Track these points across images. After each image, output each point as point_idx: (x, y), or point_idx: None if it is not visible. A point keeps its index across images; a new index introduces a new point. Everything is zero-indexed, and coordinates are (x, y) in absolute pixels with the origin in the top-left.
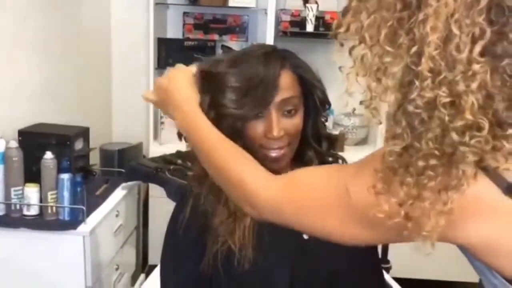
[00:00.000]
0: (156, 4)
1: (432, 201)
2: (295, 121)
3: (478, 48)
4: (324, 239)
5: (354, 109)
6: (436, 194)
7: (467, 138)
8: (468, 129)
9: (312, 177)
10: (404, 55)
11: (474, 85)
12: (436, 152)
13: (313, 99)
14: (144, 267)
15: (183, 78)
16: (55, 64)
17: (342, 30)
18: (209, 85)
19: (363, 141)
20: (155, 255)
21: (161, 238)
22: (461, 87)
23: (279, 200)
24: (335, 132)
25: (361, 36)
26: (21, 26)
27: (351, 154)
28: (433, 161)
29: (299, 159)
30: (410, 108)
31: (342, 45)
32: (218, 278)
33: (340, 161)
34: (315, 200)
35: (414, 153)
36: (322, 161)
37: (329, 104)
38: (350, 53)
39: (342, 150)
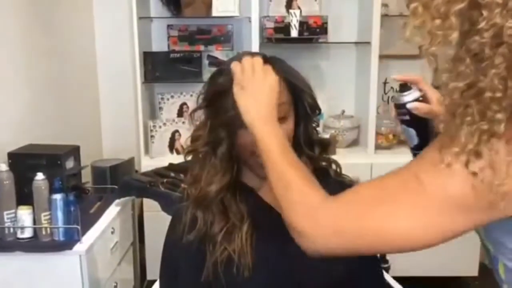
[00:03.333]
0: (140, 18)
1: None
2: (286, 128)
3: None
4: (394, 252)
5: (344, 111)
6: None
7: None
8: None
9: (372, 186)
10: None
11: None
12: (500, 86)
13: (303, 105)
14: (142, 283)
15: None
16: (41, 84)
17: None
18: (206, 97)
19: (354, 143)
20: (153, 270)
21: (158, 253)
22: None
23: (341, 216)
24: (326, 135)
25: None
26: (7, 48)
27: (343, 156)
28: (498, 94)
29: None
30: (476, 39)
31: None
32: (219, 286)
33: (333, 165)
34: (382, 205)
35: (478, 88)
36: (316, 166)
37: (319, 110)
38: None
39: (334, 153)
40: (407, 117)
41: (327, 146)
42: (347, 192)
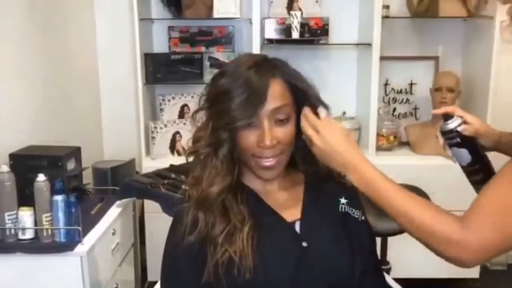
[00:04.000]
0: (141, 19)
1: None
2: (288, 130)
3: None
4: None
5: (344, 113)
6: None
7: None
8: None
9: (493, 200)
10: None
11: None
12: None
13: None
14: (143, 284)
15: (340, 137)
16: (42, 85)
17: None
18: (208, 98)
19: None
20: (154, 271)
21: (159, 254)
22: None
23: (486, 236)
24: None
25: None
26: (8, 50)
27: None
28: None
29: (295, 166)
30: None
31: None
32: None
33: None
34: None
35: None
36: (317, 169)
37: (326, 107)
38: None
39: None
40: (456, 140)
41: None
42: (475, 211)
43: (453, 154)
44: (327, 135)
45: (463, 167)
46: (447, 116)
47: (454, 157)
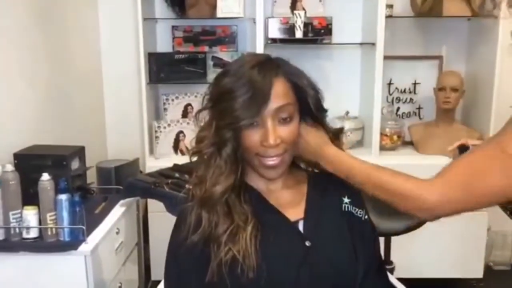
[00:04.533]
0: (145, 19)
1: None
2: (291, 129)
3: None
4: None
5: (348, 112)
6: None
7: None
8: None
9: (469, 162)
10: None
11: None
12: None
13: (308, 106)
14: (147, 283)
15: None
16: (46, 85)
17: None
18: (211, 98)
19: (358, 144)
20: (157, 271)
21: (162, 253)
22: None
23: (450, 192)
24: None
25: None
26: (12, 50)
27: None
28: None
29: (298, 166)
30: None
31: None
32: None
33: None
34: (484, 175)
35: None
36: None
37: (325, 110)
38: None
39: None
40: None
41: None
42: (449, 168)
43: None
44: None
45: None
46: (463, 148)
47: None
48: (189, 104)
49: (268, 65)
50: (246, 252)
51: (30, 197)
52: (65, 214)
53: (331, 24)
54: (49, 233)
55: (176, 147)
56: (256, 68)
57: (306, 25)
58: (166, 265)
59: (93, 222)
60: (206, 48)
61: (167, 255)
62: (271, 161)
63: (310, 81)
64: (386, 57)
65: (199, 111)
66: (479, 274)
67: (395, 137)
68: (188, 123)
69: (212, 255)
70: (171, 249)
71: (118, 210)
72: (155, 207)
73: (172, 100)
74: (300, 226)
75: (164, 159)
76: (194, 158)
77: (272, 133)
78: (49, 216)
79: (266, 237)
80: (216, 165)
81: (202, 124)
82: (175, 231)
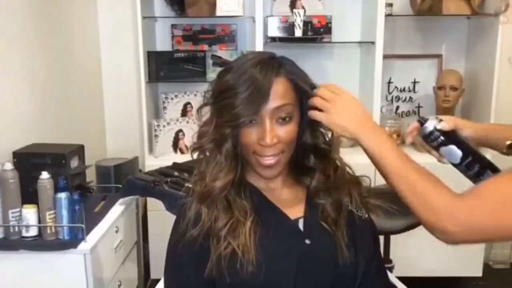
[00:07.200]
0: (144, 17)
1: None
2: (289, 129)
3: None
4: None
5: None
6: None
7: None
8: None
9: (503, 189)
10: None
11: None
12: None
13: (308, 106)
14: (146, 282)
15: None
16: (45, 83)
17: None
18: (212, 94)
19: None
20: (157, 269)
21: (162, 252)
22: None
23: (476, 217)
24: (329, 135)
25: None
26: (11, 48)
27: (347, 157)
28: None
29: (299, 166)
30: None
31: None
32: (223, 282)
33: (347, 168)
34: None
35: None
36: (323, 168)
37: None
38: None
39: (337, 153)
40: (441, 139)
41: (326, 154)
42: (474, 193)
43: (443, 155)
44: (348, 99)
45: (457, 165)
46: (422, 121)
47: (445, 157)
48: (189, 103)
49: (270, 64)
50: (245, 246)
51: (29, 195)
52: (65, 213)
53: (330, 22)
54: (49, 231)
55: (175, 145)
56: (258, 66)
57: (305, 23)
58: (166, 260)
59: (92, 221)
60: (205, 47)
61: (167, 249)
62: (267, 160)
63: (312, 82)
64: (385, 56)
65: (201, 106)
66: (479, 273)
67: (394, 136)
68: (187, 121)
69: (212, 249)
70: (170, 243)
71: (117, 209)
72: (155, 205)
73: (172, 98)
74: (300, 224)
75: (163, 157)
76: (195, 154)
77: (269, 132)
78: (49, 215)
79: (265, 233)
80: (216, 161)
81: (204, 119)
82: (175, 226)
